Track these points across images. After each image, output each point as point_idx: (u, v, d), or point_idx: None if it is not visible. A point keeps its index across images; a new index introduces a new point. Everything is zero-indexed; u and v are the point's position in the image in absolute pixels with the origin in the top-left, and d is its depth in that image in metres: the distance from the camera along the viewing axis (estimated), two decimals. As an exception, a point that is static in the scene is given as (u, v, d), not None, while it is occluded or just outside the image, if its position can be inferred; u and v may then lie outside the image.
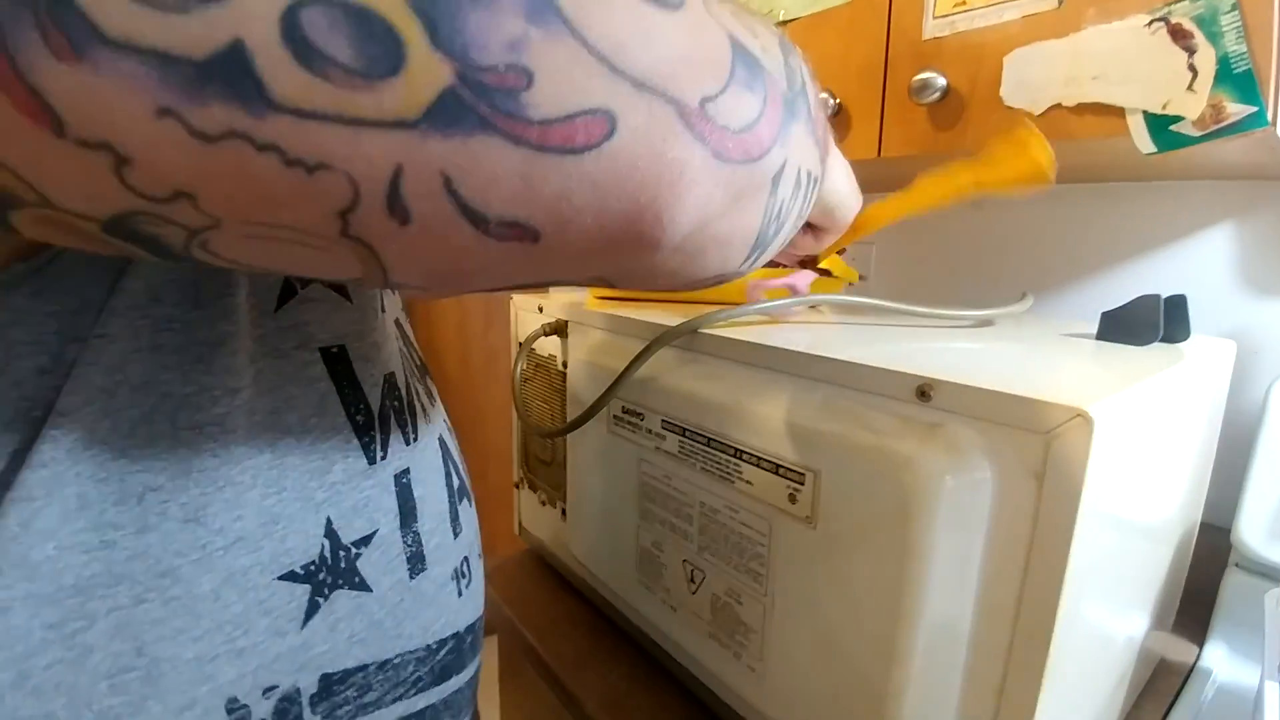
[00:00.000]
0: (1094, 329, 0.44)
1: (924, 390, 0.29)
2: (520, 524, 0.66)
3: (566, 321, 0.54)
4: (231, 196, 0.14)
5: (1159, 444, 0.34)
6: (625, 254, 0.19)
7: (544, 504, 0.61)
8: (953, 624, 0.29)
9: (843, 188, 0.35)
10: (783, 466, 0.33)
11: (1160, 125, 0.40)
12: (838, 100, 0.57)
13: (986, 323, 0.48)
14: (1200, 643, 0.53)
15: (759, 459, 0.34)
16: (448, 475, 0.34)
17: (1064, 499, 0.25)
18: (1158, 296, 0.40)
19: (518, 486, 0.66)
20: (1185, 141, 0.40)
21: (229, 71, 0.13)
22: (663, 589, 0.43)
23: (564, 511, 0.55)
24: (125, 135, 0.13)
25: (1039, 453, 0.25)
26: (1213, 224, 0.60)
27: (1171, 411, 0.35)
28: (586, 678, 0.49)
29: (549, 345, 0.57)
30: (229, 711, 0.24)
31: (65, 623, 0.20)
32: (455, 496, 0.34)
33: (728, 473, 0.36)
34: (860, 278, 0.82)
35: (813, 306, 0.52)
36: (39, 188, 0.14)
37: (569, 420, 0.46)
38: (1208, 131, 0.39)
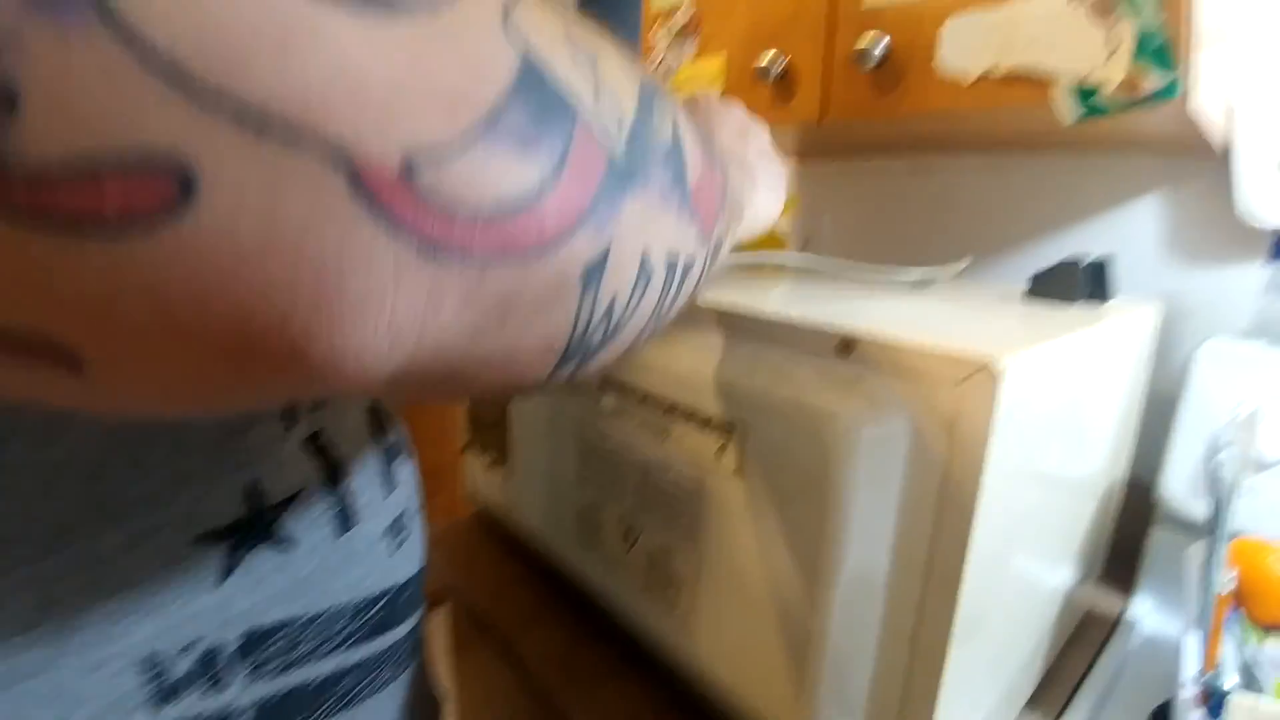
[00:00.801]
0: (1025, 289, 0.45)
1: (845, 345, 0.29)
2: (468, 486, 0.66)
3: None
4: None
5: (1075, 399, 0.36)
6: (269, 390, 0.12)
7: (491, 466, 0.61)
8: (870, 574, 0.30)
9: (764, 218, 0.33)
10: (711, 420, 0.33)
11: (1083, 96, 0.41)
12: (788, 58, 0.57)
13: (926, 282, 0.49)
14: (1128, 595, 0.56)
15: (689, 414, 0.34)
16: (379, 431, 0.33)
17: (971, 449, 0.26)
18: (1081, 257, 0.41)
19: (466, 449, 0.65)
20: (1103, 111, 0.40)
21: None
22: (600, 546, 0.43)
23: (510, 473, 0.55)
24: None
25: (950, 404, 0.26)
26: (1142, 194, 0.61)
27: (1089, 368, 0.37)
28: (532, 636, 0.49)
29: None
30: (146, 669, 0.23)
31: None
32: (388, 454, 0.34)
33: (660, 428, 0.36)
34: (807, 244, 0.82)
35: (756, 266, 0.52)
36: None
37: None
38: (1124, 102, 0.40)
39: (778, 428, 0.30)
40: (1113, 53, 0.39)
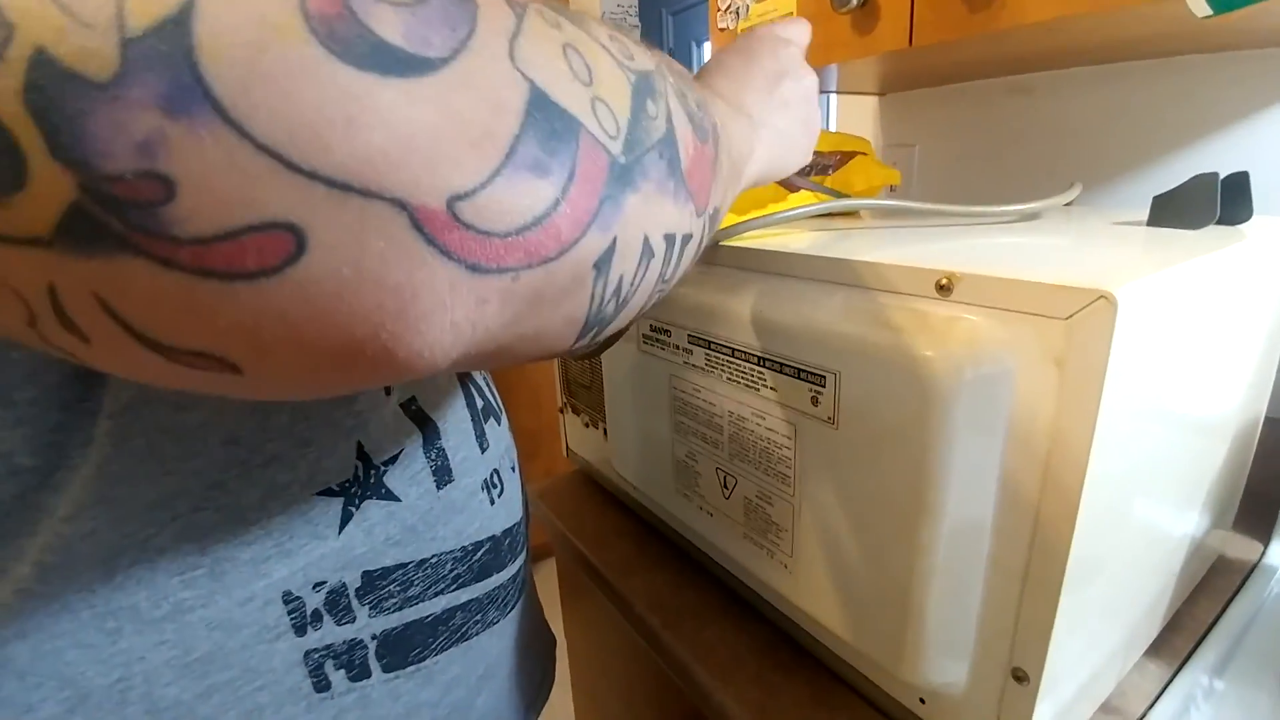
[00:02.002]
0: (1145, 216, 0.41)
1: (943, 284, 0.28)
2: (568, 446, 0.69)
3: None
4: None
5: (1205, 331, 0.33)
6: (367, 379, 0.15)
7: (587, 426, 0.63)
8: (975, 515, 0.29)
9: (778, 166, 0.34)
10: (805, 370, 0.33)
11: (1224, -20, 0.36)
12: (866, -12, 0.53)
13: (1031, 216, 0.46)
14: (1266, 540, 0.52)
15: (781, 365, 0.34)
16: (469, 396, 0.36)
17: (1087, 386, 0.25)
18: (1214, 175, 0.37)
19: (562, 412, 0.68)
20: (1244, 1, 0.36)
21: None
22: (699, 496, 0.45)
23: (605, 431, 0.57)
24: None
25: (1060, 340, 0.25)
26: (1293, 93, 0.54)
27: (1224, 296, 0.34)
28: (634, 582, 0.52)
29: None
30: (285, 603, 0.27)
31: (140, 531, 0.24)
32: (480, 416, 0.37)
33: (752, 381, 0.37)
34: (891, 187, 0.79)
35: (846, 213, 0.51)
36: None
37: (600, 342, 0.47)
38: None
39: (873, 374, 0.30)
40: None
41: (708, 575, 0.51)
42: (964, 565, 0.30)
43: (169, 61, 0.11)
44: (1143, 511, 0.34)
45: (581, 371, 0.61)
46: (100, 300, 0.13)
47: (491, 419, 0.38)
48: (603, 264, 0.17)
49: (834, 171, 0.56)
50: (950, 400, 0.27)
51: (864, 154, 0.57)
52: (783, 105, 0.34)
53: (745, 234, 0.42)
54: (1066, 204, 0.47)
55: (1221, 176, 0.37)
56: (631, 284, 0.19)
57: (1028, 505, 0.28)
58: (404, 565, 0.31)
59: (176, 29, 0.11)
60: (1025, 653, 0.30)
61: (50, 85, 0.11)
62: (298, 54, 0.11)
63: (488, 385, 0.40)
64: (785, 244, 0.38)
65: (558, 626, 0.77)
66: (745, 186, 0.32)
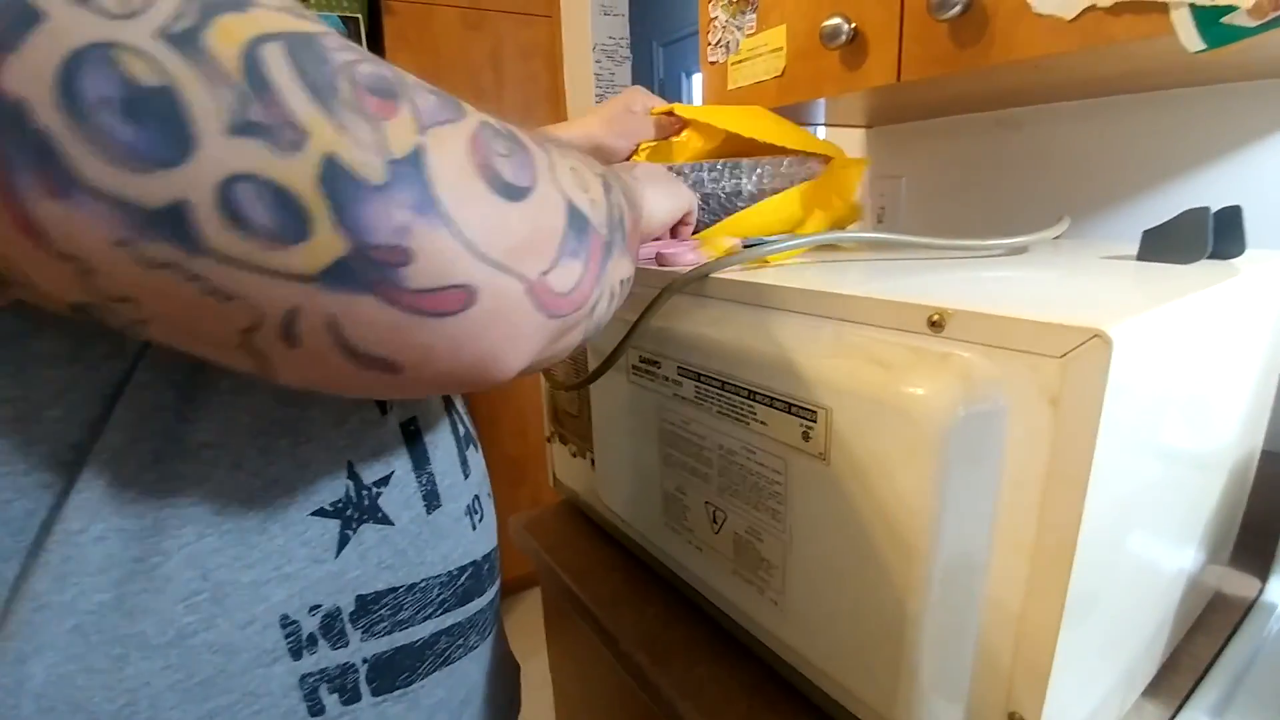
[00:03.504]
0: (1135, 250, 0.41)
1: (935, 320, 0.28)
2: (554, 476, 0.68)
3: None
4: (162, 306, 0.18)
5: (1201, 366, 0.33)
6: (469, 385, 0.23)
7: (574, 456, 0.62)
8: (969, 554, 0.29)
9: (659, 213, 0.44)
10: (795, 405, 0.32)
11: (1210, 18, 0.37)
12: (853, 25, 0.54)
13: (1019, 250, 0.46)
14: (1263, 576, 0.51)
15: (771, 399, 0.34)
16: (453, 424, 0.37)
17: (1082, 426, 0.24)
18: (1205, 209, 0.37)
19: (549, 440, 0.67)
20: (1239, 34, 0.36)
21: (172, 221, 0.16)
22: (688, 531, 0.44)
23: (593, 462, 0.56)
24: (90, 253, 0.17)
25: (1055, 378, 0.24)
26: (1274, 129, 0.55)
27: (1218, 332, 0.33)
28: (622, 617, 0.50)
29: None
30: (283, 626, 0.28)
31: (147, 557, 0.25)
32: (462, 443, 0.37)
33: (742, 415, 0.36)
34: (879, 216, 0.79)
35: (831, 245, 0.51)
36: (24, 277, 0.19)
37: (589, 372, 0.46)
38: (1266, 20, 0.35)
39: (865, 410, 0.29)
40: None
41: (697, 611, 0.49)
42: (958, 605, 0.30)
43: (418, 181, 0.18)
44: (1140, 548, 0.33)
45: (569, 401, 0.61)
46: (330, 321, 0.19)
47: (471, 446, 0.39)
48: (595, 306, 0.26)
49: (817, 175, 0.57)
50: (943, 438, 0.26)
51: (831, 156, 0.58)
52: (643, 174, 0.45)
53: (735, 266, 0.41)
54: (1055, 238, 0.47)
55: (1213, 211, 0.37)
56: (604, 316, 0.28)
57: (1023, 544, 0.27)
58: (395, 589, 0.31)
59: (418, 161, 0.18)
60: (1022, 695, 0.29)
61: (338, 178, 0.17)
62: (476, 188, 0.20)
63: (467, 414, 0.41)
64: (776, 277, 0.38)
65: (542, 659, 0.75)
66: (641, 225, 0.40)
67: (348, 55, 0.18)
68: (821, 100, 0.67)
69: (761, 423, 0.35)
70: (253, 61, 0.17)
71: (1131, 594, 0.34)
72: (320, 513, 0.29)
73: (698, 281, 0.40)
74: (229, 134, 0.16)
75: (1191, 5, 0.37)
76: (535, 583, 0.67)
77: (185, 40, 0.16)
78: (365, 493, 0.30)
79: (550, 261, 0.22)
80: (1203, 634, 0.47)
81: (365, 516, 0.30)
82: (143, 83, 0.16)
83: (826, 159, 0.59)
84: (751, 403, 0.35)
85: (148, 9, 0.16)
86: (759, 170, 0.55)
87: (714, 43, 0.69)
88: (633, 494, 0.50)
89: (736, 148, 0.58)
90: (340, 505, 0.29)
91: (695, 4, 0.72)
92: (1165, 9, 0.38)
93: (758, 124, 0.56)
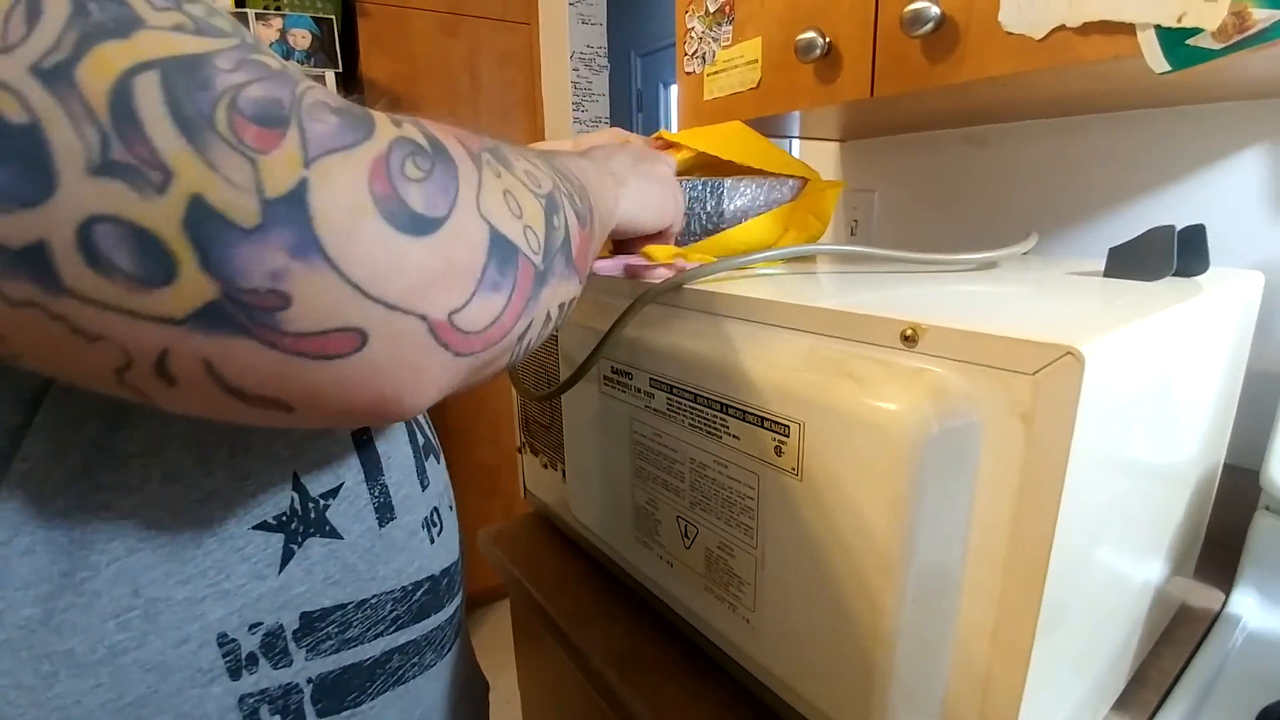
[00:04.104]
0: (1101, 266, 0.42)
1: (908, 335, 0.27)
2: (525, 487, 0.67)
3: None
4: (30, 343, 0.18)
5: (1167, 382, 0.33)
6: (372, 421, 0.22)
7: (545, 467, 0.61)
8: (943, 571, 0.28)
9: (637, 221, 0.42)
10: (768, 419, 0.32)
11: (1175, 40, 0.38)
12: (828, 39, 0.54)
13: (988, 265, 0.46)
14: (1227, 589, 0.52)
15: (744, 412, 0.33)
16: (411, 433, 0.35)
17: (1054, 442, 0.24)
18: (1170, 228, 0.38)
19: (520, 451, 0.66)
20: (1204, 56, 0.37)
21: (33, 261, 0.16)
22: (659, 545, 0.43)
23: (564, 474, 0.55)
24: None
25: (1027, 394, 0.24)
26: (1238, 149, 0.56)
27: (1184, 348, 0.34)
28: (592, 633, 0.49)
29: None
30: (220, 645, 0.26)
31: (75, 572, 0.23)
32: (420, 453, 0.36)
33: (715, 428, 0.35)
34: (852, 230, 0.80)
35: (802, 258, 0.50)
36: None
37: (560, 383, 0.45)
38: (1230, 43, 0.36)
39: (838, 425, 0.29)
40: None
41: (668, 626, 0.48)
42: (931, 623, 0.29)
43: (296, 221, 0.17)
44: (1110, 562, 0.33)
45: (541, 411, 0.59)
46: (206, 363, 0.18)
47: (431, 456, 0.38)
48: (524, 335, 0.25)
49: (796, 196, 0.57)
50: (916, 454, 0.26)
51: (808, 179, 0.58)
52: (642, 175, 0.43)
53: (709, 277, 0.41)
54: (1024, 254, 0.48)
55: (1178, 229, 0.38)
56: (536, 339, 0.26)
57: (996, 560, 0.27)
58: (343, 606, 0.30)
59: (298, 199, 0.17)
60: (996, 714, 0.29)
61: (206, 221, 0.16)
62: (369, 225, 0.18)
63: (427, 423, 0.39)
64: (750, 289, 0.37)
65: (510, 674, 0.73)
66: (609, 230, 0.40)
67: (238, 77, 0.17)
68: (796, 113, 0.68)
69: (734, 436, 0.34)
70: (121, 96, 0.16)
71: (1102, 608, 0.34)
72: (262, 526, 0.27)
73: (671, 292, 0.40)
74: (89, 174, 0.16)
75: (1158, 27, 0.38)
76: (505, 595, 0.66)
77: (55, 75, 0.15)
78: (312, 505, 0.29)
79: (463, 298, 0.20)
80: (1169, 647, 0.47)
81: (311, 530, 0.29)
82: (9, 120, 0.15)
83: (804, 180, 0.59)
84: (724, 416, 0.34)
85: (24, 42, 0.15)
86: (740, 190, 0.55)
87: (690, 53, 0.69)
88: (603, 507, 0.49)
89: (717, 162, 0.58)
90: (284, 518, 0.28)
91: (673, 15, 0.72)
92: (1132, 30, 0.39)
93: (738, 145, 0.56)
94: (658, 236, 0.48)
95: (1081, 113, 0.63)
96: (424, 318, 0.19)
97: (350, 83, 1.42)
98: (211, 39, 0.18)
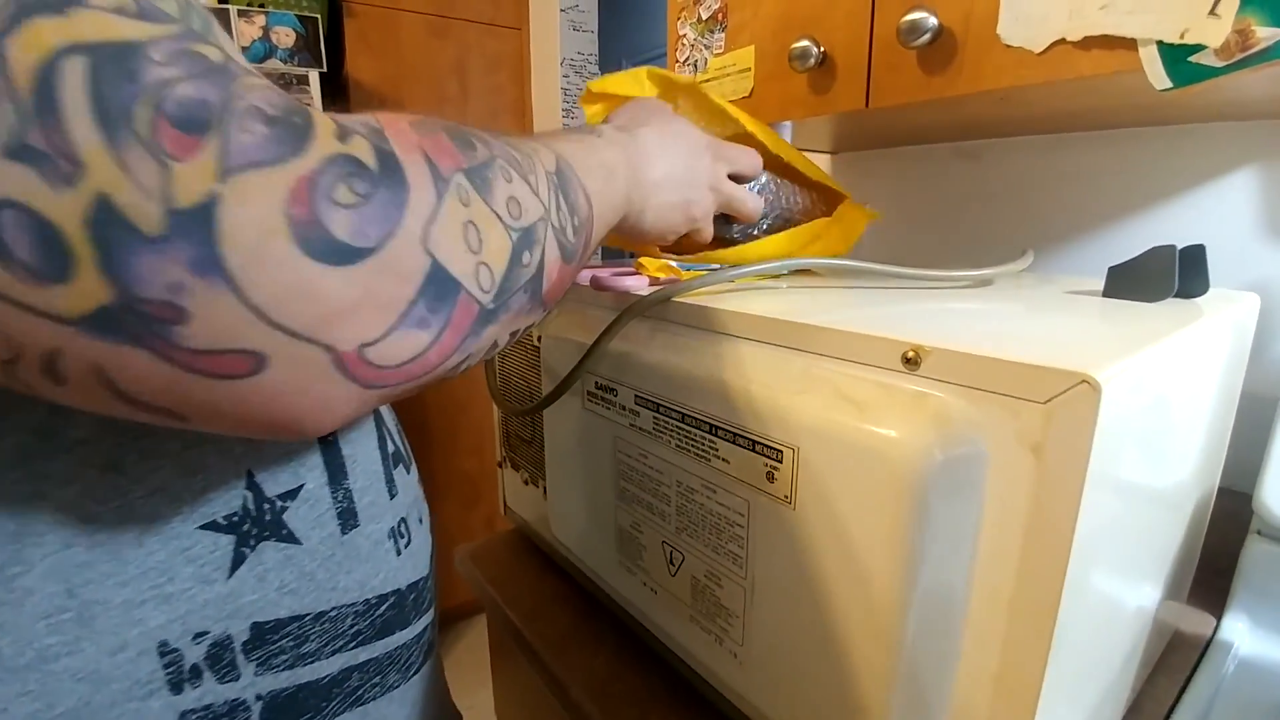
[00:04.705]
0: (1100, 285, 0.41)
1: (910, 357, 0.26)
2: (505, 503, 0.65)
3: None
4: None
5: (1174, 408, 0.32)
6: (272, 439, 0.22)
7: (526, 483, 0.59)
8: (945, 609, 0.27)
9: (652, 229, 0.38)
10: (759, 443, 0.30)
11: (1177, 56, 0.37)
12: (822, 49, 0.53)
13: (984, 283, 0.45)
14: (1218, 614, 0.51)
15: (735, 435, 0.31)
16: (380, 439, 0.33)
17: (1067, 475, 0.22)
18: (1172, 248, 0.37)
19: (501, 466, 0.63)
20: (1206, 74, 0.36)
21: None
22: (643, 571, 0.41)
23: (545, 490, 0.53)
24: None
25: (1038, 424, 0.23)
26: (1233, 169, 0.56)
27: (1188, 373, 0.32)
28: (572, 661, 0.47)
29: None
30: (161, 654, 0.24)
31: (6, 566, 0.22)
32: (389, 460, 0.34)
33: (703, 450, 0.33)
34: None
35: (798, 272, 0.49)
36: None
37: (542, 397, 0.43)
38: (1233, 61, 0.35)
39: (834, 452, 0.27)
40: (1215, 4, 0.34)
41: (651, 655, 0.46)
42: (931, 665, 0.27)
43: (200, 237, 0.16)
44: (1115, 595, 0.31)
45: (522, 425, 0.57)
46: (96, 367, 0.17)
47: (401, 465, 0.36)
48: (458, 366, 0.23)
49: (803, 208, 0.54)
50: (918, 485, 0.24)
51: (844, 196, 0.56)
52: (670, 193, 0.39)
53: (700, 290, 0.39)
54: (1019, 272, 0.47)
55: (1179, 249, 0.37)
56: (474, 365, 0.25)
57: (1002, 598, 0.25)
58: (300, 617, 0.28)
59: (206, 214, 0.16)
60: (997, 762, 0.27)
61: (110, 223, 0.15)
62: (279, 249, 0.17)
63: (397, 431, 0.37)
64: (742, 304, 0.35)
65: (487, 695, 0.71)
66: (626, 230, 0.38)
67: (169, 71, 0.16)
68: (788, 124, 0.67)
69: (723, 460, 0.32)
70: (47, 77, 0.15)
71: (1106, 641, 0.33)
72: (211, 526, 0.25)
73: (659, 305, 0.38)
74: (2, 155, 0.15)
75: (1160, 43, 0.37)
76: (480, 613, 0.63)
77: None
78: (267, 506, 0.27)
79: (379, 332, 0.19)
80: (1163, 675, 0.46)
81: (266, 533, 0.27)
82: None
83: (836, 198, 0.56)
84: (713, 438, 0.33)
85: None
86: (771, 192, 0.51)
87: (682, 61, 0.68)
88: (585, 528, 0.47)
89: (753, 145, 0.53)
90: (236, 519, 0.26)
91: (666, 23, 0.71)
92: (1133, 45, 0.38)
93: (775, 140, 0.52)
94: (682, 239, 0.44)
95: (1074, 130, 0.63)
96: (330, 348, 0.18)
97: (336, 84, 1.40)
98: (150, 24, 0.17)
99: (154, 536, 0.24)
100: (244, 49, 1.21)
